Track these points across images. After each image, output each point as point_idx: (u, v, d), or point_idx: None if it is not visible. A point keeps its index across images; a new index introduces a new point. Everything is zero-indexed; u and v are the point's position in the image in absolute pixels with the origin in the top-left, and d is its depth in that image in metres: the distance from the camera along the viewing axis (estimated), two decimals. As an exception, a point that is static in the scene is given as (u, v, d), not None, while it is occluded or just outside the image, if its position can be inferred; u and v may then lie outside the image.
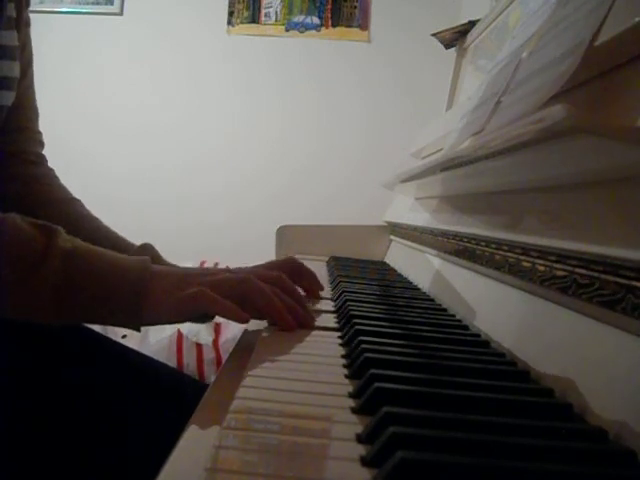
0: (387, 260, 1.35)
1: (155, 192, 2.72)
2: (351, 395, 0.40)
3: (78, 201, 0.87)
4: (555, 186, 0.54)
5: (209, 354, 2.00)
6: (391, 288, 0.90)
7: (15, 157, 0.84)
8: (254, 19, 2.75)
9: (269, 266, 0.72)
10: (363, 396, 0.38)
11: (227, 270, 0.63)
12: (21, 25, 0.77)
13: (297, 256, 0.75)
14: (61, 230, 0.56)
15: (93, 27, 2.75)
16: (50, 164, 0.90)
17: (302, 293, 0.76)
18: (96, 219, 0.86)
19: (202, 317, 0.61)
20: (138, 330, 0.56)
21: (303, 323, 0.59)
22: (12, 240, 0.53)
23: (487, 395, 0.39)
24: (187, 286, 0.55)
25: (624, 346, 0.37)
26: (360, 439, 0.33)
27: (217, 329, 2.04)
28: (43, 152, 0.89)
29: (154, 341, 1.99)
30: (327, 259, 1.27)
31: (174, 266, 0.77)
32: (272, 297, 0.57)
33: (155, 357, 0.81)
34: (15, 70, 0.74)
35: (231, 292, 0.56)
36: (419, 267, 1.02)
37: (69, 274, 0.53)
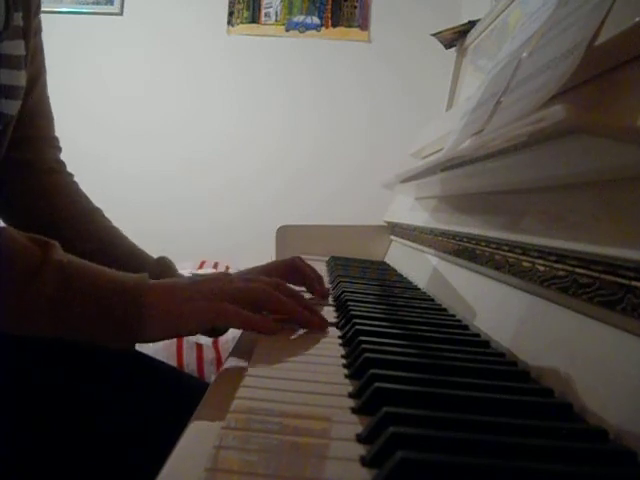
0: (387, 260, 1.35)
1: (155, 192, 2.72)
2: (351, 395, 0.40)
3: (99, 211, 0.87)
4: (555, 186, 0.54)
5: (209, 354, 2.00)
6: (391, 288, 0.90)
7: (33, 166, 0.84)
8: (254, 19, 2.75)
9: (268, 268, 0.72)
10: (363, 396, 0.38)
11: (227, 275, 0.62)
12: (29, 34, 0.77)
13: (297, 256, 0.75)
14: (57, 244, 0.55)
15: (93, 27, 2.76)
16: None
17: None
18: (117, 231, 0.85)
19: (215, 330, 0.61)
20: (132, 348, 0.55)
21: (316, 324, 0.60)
22: (7, 252, 0.52)
23: (487, 395, 0.39)
24: (184, 296, 0.54)
25: (624, 346, 0.37)
26: (360, 439, 0.33)
27: (217, 329, 2.04)
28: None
29: (154, 341, 1.98)
30: (327, 259, 1.27)
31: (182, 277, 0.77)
32: (285, 300, 0.57)
33: (155, 357, 0.81)
34: (21, 79, 0.74)
35: (245, 301, 0.56)
36: (419, 267, 1.02)
37: (63, 287, 0.52)
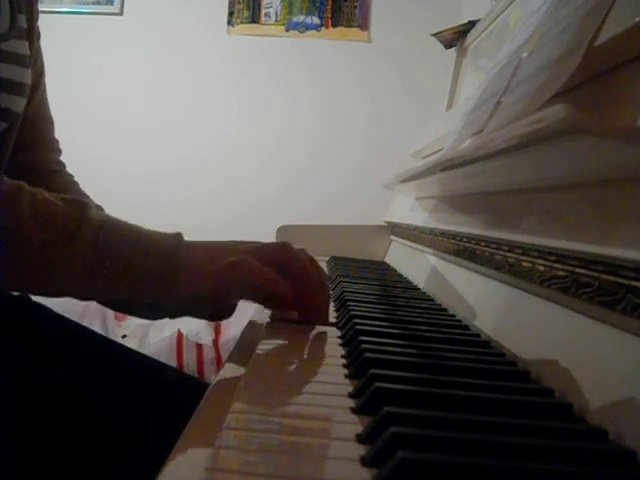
0: (387, 260, 1.35)
1: (155, 192, 2.72)
2: (351, 395, 0.40)
3: (100, 209, 0.88)
4: (555, 186, 0.54)
5: (209, 354, 2.00)
6: (391, 288, 0.90)
7: (35, 169, 0.85)
8: (254, 19, 2.75)
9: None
10: (363, 396, 0.38)
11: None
12: (33, 37, 0.78)
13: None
14: (92, 205, 0.56)
15: (93, 27, 2.76)
16: None
17: None
18: None
19: (224, 312, 0.61)
20: (169, 307, 0.56)
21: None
22: (44, 211, 0.52)
23: (487, 395, 0.39)
24: (224, 255, 0.55)
25: (624, 346, 0.37)
26: (360, 439, 0.33)
27: (217, 329, 2.04)
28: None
29: (154, 341, 1.99)
30: (327, 259, 1.27)
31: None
32: (308, 265, 0.58)
33: (155, 357, 0.81)
34: (27, 77, 0.75)
35: (270, 259, 0.56)
36: (419, 267, 1.02)
37: (101, 245, 0.52)
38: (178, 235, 0.57)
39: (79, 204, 0.55)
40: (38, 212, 0.52)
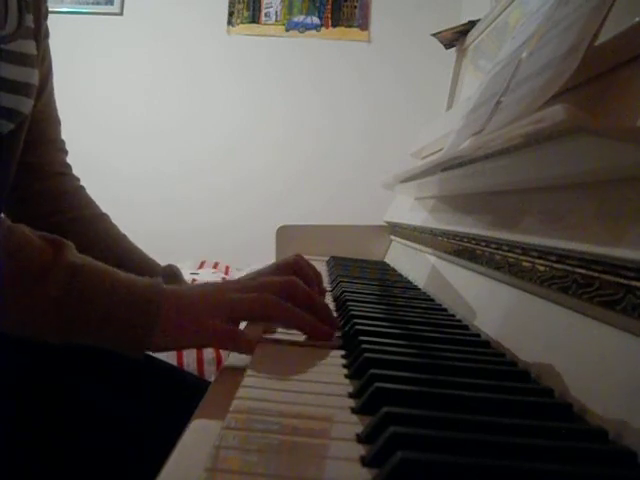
0: (387, 260, 1.35)
1: (155, 192, 2.72)
2: (351, 395, 0.40)
3: (106, 217, 0.87)
4: (555, 186, 0.54)
5: (209, 354, 2.00)
6: (391, 288, 0.90)
7: (42, 170, 0.84)
8: (254, 19, 2.75)
9: (272, 271, 0.70)
10: (363, 396, 0.38)
11: (243, 285, 0.58)
12: (40, 36, 0.78)
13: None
14: (71, 245, 0.54)
15: (93, 27, 2.76)
16: None
17: None
18: (124, 237, 0.85)
19: None
20: (140, 357, 0.53)
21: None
22: (19, 250, 0.51)
23: (487, 395, 0.39)
24: (206, 313, 0.52)
25: (624, 346, 0.37)
26: (360, 439, 0.33)
27: (217, 329, 2.04)
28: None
29: (154, 341, 1.98)
30: (327, 259, 1.27)
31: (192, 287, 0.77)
32: (300, 314, 0.55)
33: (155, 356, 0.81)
34: (34, 77, 0.75)
35: (256, 316, 0.54)
36: (419, 267, 1.02)
37: (74, 289, 0.51)
38: (156, 285, 0.54)
39: (57, 244, 0.53)
40: (12, 249, 0.51)
